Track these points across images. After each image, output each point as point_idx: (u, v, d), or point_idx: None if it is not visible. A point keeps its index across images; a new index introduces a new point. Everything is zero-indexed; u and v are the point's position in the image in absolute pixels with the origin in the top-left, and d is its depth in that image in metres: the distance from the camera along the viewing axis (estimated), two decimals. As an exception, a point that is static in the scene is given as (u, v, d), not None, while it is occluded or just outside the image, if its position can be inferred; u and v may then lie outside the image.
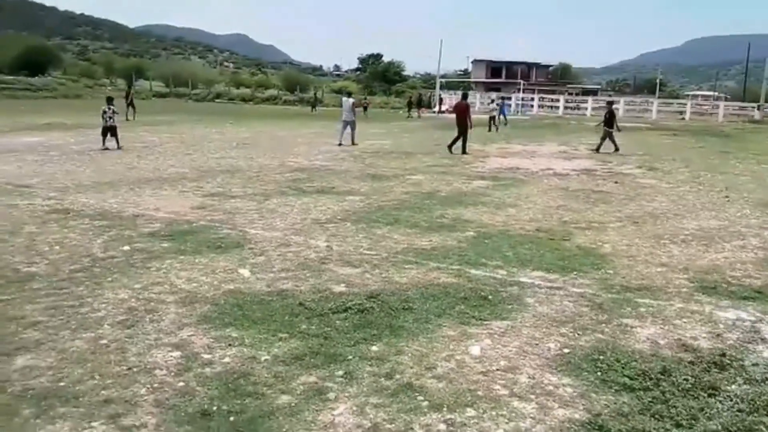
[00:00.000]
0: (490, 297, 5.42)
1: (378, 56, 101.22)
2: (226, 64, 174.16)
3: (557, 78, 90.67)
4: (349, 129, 20.28)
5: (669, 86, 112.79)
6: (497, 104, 35.07)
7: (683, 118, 47.42)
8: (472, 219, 8.69)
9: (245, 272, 6.00)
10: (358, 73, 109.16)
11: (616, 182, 12.75)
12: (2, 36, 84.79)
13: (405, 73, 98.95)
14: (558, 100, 55.28)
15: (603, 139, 19.76)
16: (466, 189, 11.53)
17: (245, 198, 10.00)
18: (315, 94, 56.96)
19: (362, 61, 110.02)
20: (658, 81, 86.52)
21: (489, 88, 73.82)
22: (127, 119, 27.21)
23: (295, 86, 73.68)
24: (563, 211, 9.49)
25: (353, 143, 19.96)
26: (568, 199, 10.55)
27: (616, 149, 19.31)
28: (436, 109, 51.66)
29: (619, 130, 20.19)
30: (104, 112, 17.36)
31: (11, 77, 56.95)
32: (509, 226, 8.26)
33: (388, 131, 28.84)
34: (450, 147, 18.17)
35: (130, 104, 29.49)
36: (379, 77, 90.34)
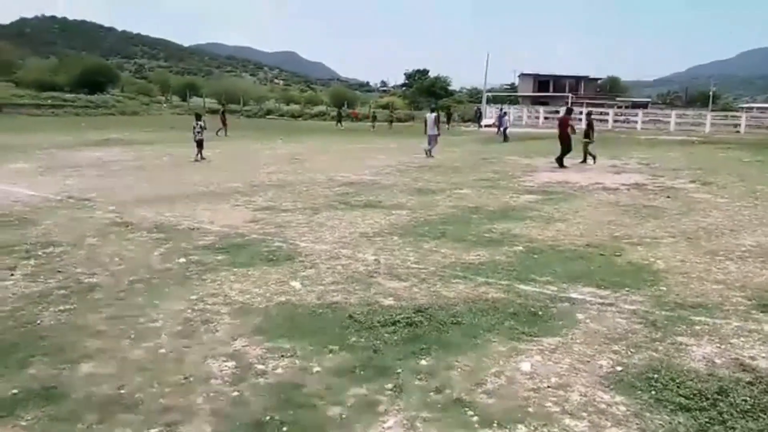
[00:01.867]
0: (540, 313, 5.35)
1: (424, 72, 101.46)
2: (276, 80, 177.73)
3: (606, 91, 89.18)
4: (433, 142, 21.53)
5: (723, 99, 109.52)
6: (502, 114, 35.91)
7: (738, 131, 45.94)
8: (520, 234, 8.61)
9: (296, 284, 6.09)
10: (405, 88, 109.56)
11: (668, 197, 12.43)
12: (64, 56, 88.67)
13: (451, 87, 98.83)
14: (607, 114, 54.30)
15: (585, 149, 19.59)
16: (514, 203, 11.43)
17: (295, 212, 10.15)
18: (339, 108, 57.45)
19: (409, 76, 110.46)
20: (711, 93, 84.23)
21: (536, 101, 73.19)
22: (217, 134, 29.57)
23: (342, 102, 74.54)
24: (614, 226, 9.30)
25: (429, 155, 20.92)
26: (618, 214, 10.34)
27: (584, 160, 19.23)
28: (483, 123, 51.48)
29: (592, 141, 20.01)
30: (194, 127, 19.31)
31: (72, 95, 59.31)
32: (559, 241, 8.15)
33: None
34: (560, 162, 18.40)
35: (224, 122, 32.11)
36: (426, 92, 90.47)
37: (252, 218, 9.53)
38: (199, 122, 19.36)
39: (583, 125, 21.42)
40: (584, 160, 19.43)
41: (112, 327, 4.99)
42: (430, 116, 22.83)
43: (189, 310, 5.36)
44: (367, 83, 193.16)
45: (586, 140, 19.82)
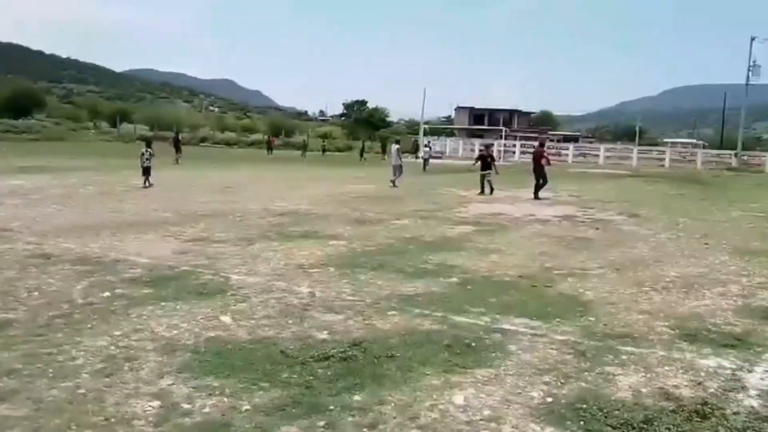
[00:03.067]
0: (473, 344, 5.42)
1: (363, 102, 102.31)
2: (211, 108, 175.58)
3: (538, 125, 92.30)
4: (398, 172, 22.79)
5: (648, 134, 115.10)
6: (430, 146, 37.99)
7: (663, 165, 48.43)
8: (456, 264, 8.73)
9: (227, 319, 5.96)
10: (343, 118, 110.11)
11: (597, 229, 12.91)
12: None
13: (389, 119, 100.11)
14: (555, 148, 56.18)
15: (482, 181, 20.63)
16: (451, 234, 11.60)
17: (228, 243, 9.97)
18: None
19: (347, 106, 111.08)
20: (637, 128, 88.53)
21: (472, 134, 75.01)
22: (178, 162, 31.11)
23: (280, 131, 74.33)
24: (546, 257, 9.57)
25: (393, 185, 21.92)
26: (550, 246, 10.64)
27: (481, 191, 20.17)
28: (420, 154, 52.36)
29: (497, 173, 21.23)
30: (142, 154, 19.44)
31: (-5, 119, 56.86)
32: (493, 272, 8.31)
33: (372, 176, 29.07)
34: (536, 194, 19.22)
35: (178, 147, 33.24)
36: (364, 123, 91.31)
37: (182, 249, 9.30)
38: (149, 149, 19.63)
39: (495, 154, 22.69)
40: (482, 191, 20.29)
41: (28, 365, 4.74)
42: (394, 147, 24.29)
43: (112, 347, 5.15)
44: (305, 112, 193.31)
45: (484, 172, 20.74)
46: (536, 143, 24.39)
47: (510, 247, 10.41)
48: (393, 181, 22.31)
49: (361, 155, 48.55)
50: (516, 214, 15.15)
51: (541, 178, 19.64)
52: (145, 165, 19.25)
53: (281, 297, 6.78)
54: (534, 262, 9.17)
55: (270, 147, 52.05)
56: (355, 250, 9.61)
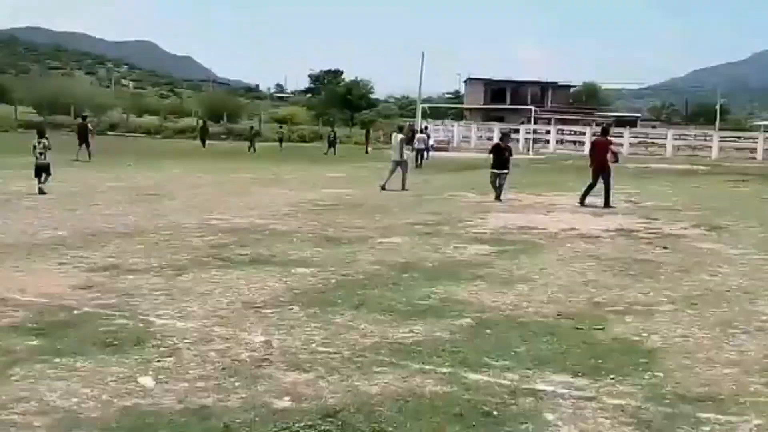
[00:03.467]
0: (495, 413, 5.42)
1: (337, 73, 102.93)
2: (124, 82, 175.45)
3: (582, 103, 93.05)
4: (399, 171, 22.96)
5: (733, 113, 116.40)
6: (427, 133, 38.33)
7: (755, 158, 48.93)
8: (468, 300, 8.73)
9: (148, 381, 5.92)
10: (310, 95, 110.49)
11: (665, 248, 12.99)
12: None
13: (374, 96, 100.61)
14: (584, 134, 56.59)
15: (494, 182, 20.95)
16: (461, 257, 11.63)
17: (149, 272, 9.93)
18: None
19: (316, 79, 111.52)
20: (718, 107, 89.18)
21: (489, 116, 75.56)
22: (77, 159, 31.35)
23: (221, 113, 74.42)
24: (594, 288, 9.60)
25: (403, 188, 22.49)
26: (600, 272, 10.69)
27: (497, 197, 20.46)
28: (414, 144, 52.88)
29: (508, 171, 21.34)
30: (34, 147, 19.72)
31: None
32: (520, 310, 8.32)
33: (352, 175, 29.12)
34: (583, 199, 19.74)
35: (86, 140, 33.11)
36: (339, 101, 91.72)
37: (84, 283, 9.24)
38: (42, 140, 19.78)
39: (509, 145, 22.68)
40: (498, 197, 20.48)
41: None
42: (397, 137, 24.06)
43: (-15, 424, 5.10)
44: (257, 87, 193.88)
45: (503, 171, 20.97)
46: (593, 129, 24.70)
47: (544, 274, 10.44)
48: (383, 185, 22.52)
49: (330, 146, 48.32)
50: (552, 227, 15.23)
51: (602, 179, 19.72)
52: (40, 162, 19.44)
53: (224, 349, 6.75)
54: (578, 295, 9.19)
55: (204, 137, 51.99)
56: (328, 281, 9.60)
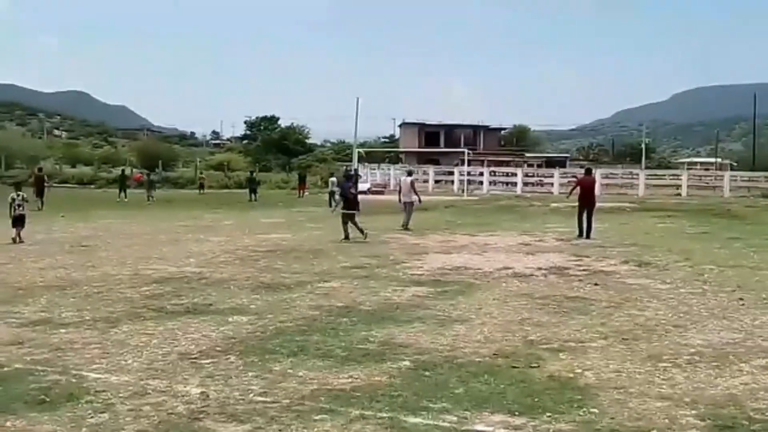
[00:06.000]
0: (434, 456, 5.38)
1: (273, 119, 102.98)
2: (57, 131, 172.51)
3: (512, 144, 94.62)
4: (408, 211, 24.67)
5: (658, 152, 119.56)
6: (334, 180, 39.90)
7: (679, 194, 50.20)
8: (407, 342, 8.73)
9: (81, 438, 5.74)
10: (246, 141, 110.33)
11: (596, 284, 13.19)
12: None
13: (311, 141, 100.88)
14: (515, 174, 57.54)
15: (345, 224, 21.12)
16: (399, 299, 11.64)
17: (81, 326, 9.72)
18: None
19: (252, 125, 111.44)
20: (644, 146, 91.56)
21: (424, 159, 76.25)
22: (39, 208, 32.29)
23: (155, 161, 73.65)
24: (529, 326, 9.69)
25: (405, 227, 24.00)
26: (534, 310, 10.80)
27: (346, 237, 20.78)
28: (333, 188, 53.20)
29: (358, 211, 22.02)
30: (13, 200, 20.75)
31: None
32: (458, 351, 8.35)
33: (289, 220, 29.06)
34: (588, 233, 21.54)
35: (41, 190, 35.02)
36: (276, 146, 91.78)
37: (13, 339, 8.99)
38: (20, 193, 21.25)
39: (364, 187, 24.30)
40: (346, 237, 20.77)
41: None
42: (405, 180, 26.01)
43: None
44: (192, 134, 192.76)
45: (351, 212, 21.31)
46: (525, 170, 26.60)
47: (480, 313, 10.50)
48: (405, 224, 24.18)
49: (252, 192, 46.92)
50: (487, 267, 15.34)
51: (587, 214, 21.77)
52: (17, 214, 20.51)
53: (160, 402, 6.61)
54: (513, 333, 9.26)
55: (124, 186, 49.63)
56: (266, 329, 9.51)
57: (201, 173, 63.65)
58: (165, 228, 24.87)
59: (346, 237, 20.74)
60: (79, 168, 78.19)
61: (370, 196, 45.92)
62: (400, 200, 25.48)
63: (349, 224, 20.94)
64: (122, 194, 45.52)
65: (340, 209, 21.73)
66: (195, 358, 8.08)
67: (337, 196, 31.74)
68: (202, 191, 55.18)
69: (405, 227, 24.00)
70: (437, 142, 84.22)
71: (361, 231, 20.87)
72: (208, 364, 7.88)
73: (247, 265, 15.56)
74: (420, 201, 25.55)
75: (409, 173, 28.38)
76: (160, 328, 9.58)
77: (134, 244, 19.70)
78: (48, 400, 6.66)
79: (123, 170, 57.74)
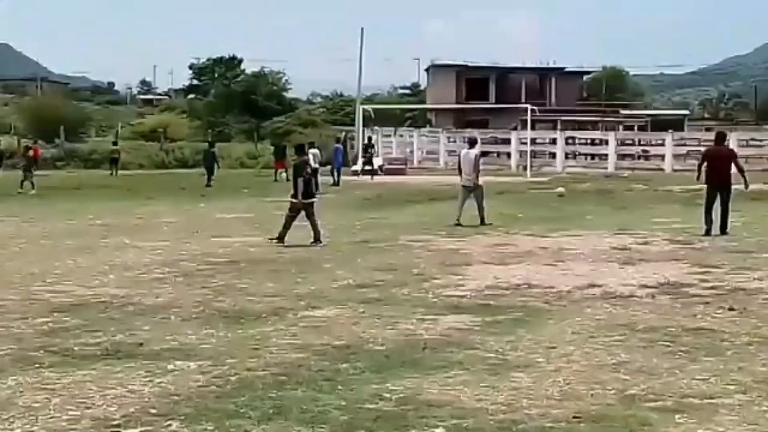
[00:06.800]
0: None
1: (233, 62, 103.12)
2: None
3: (601, 97, 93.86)
4: (472, 198, 25.72)
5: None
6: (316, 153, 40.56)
7: None
8: (440, 400, 8.67)
9: None
10: (193, 96, 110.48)
11: (731, 309, 13.09)
12: None
13: (291, 95, 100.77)
14: (605, 142, 57.11)
15: (287, 221, 21.61)
16: (427, 334, 11.63)
17: (-53, 377, 9.74)
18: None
19: (200, 72, 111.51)
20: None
21: (464, 120, 76.07)
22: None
23: (54, 126, 73.56)
24: (627, 374, 9.61)
25: (482, 222, 25.20)
26: (635, 349, 10.73)
27: (317, 239, 21.23)
28: (356, 166, 53.04)
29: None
30: None
31: None
32: (518, 413, 8.27)
33: (260, 215, 29.06)
34: (722, 230, 22.15)
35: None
36: (237, 104, 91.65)
37: None
38: None
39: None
40: (317, 239, 21.19)
41: None
42: (468, 154, 26.94)
43: None
44: (110, 87, 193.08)
45: (307, 200, 21.70)
46: (621, 135, 26.15)
47: (553, 355, 10.44)
48: (481, 216, 25.37)
49: (208, 172, 46.80)
50: (563, 284, 15.28)
51: (720, 199, 22.30)
52: None
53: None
54: (604, 385, 9.18)
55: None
56: (225, 381, 9.47)
57: (114, 143, 63.06)
58: (72, 228, 24.92)
59: (280, 238, 21.10)
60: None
61: (385, 177, 45.99)
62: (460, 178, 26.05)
63: (298, 219, 21.28)
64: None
65: (291, 197, 22.07)
66: (116, 427, 8.05)
67: (320, 177, 32.29)
68: (115, 170, 55.70)
69: (483, 222, 25.12)
70: (485, 94, 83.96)
71: (317, 232, 21.17)
72: (137, 435, 7.87)
73: (195, 285, 15.57)
74: (477, 183, 26.01)
75: (472, 142, 29.12)
76: (65, 380, 9.56)
77: (24, 254, 19.73)
78: None
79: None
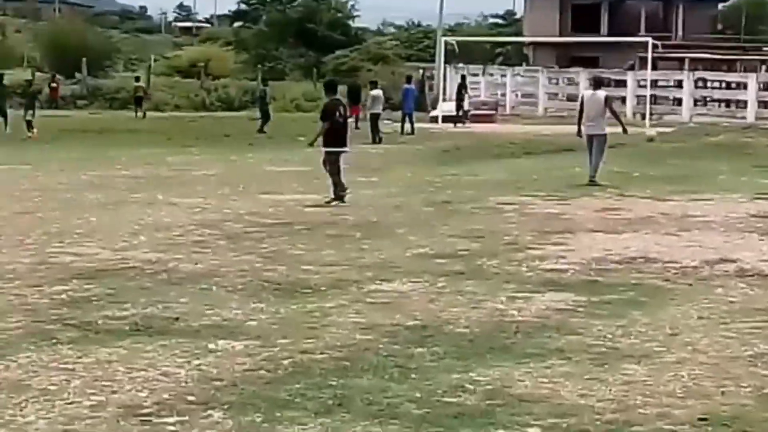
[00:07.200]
0: None
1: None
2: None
3: (738, 28, 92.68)
4: (595, 151, 26.00)
5: None
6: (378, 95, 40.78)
7: None
8: (535, 395, 8.68)
9: None
10: (240, 25, 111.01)
11: None
12: None
13: (359, 24, 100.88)
14: (744, 86, 56.35)
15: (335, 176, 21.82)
16: (521, 315, 11.65)
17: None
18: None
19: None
20: None
21: (569, 57, 75.60)
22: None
23: (75, 58, 74.15)
24: (765, 368, 9.54)
25: (592, 181, 25.64)
26: (777, 338, 10.65)
27: (337, 197, 21.50)
28: (435, 111, 53.09)
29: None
30: None
31: None
32: (631, 412, 8.26)
33: (319, 169, 29.11)
34: None
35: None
36: (293, 34, 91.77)
37: None
38: None
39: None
40: (337, 197, 21.49)
41: None
42: (594, 95, 27.17)
43: None
44: (143, 12, 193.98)
45: (338, 149, 22.05)
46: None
47: (674, 343, 10.41)
48: (592, 177, 25.72)
49: (264, 118, 47.18)
50: (688, 258, 15.20)
51: None
52: None
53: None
54: (738, 381, 9.13)
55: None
56: (276, 365, 9.54)
57: (137, 79, 64.35)
58: (94, 180, 25.12)
59: (338, 197, 21.38)
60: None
61: (470, 125, 45.94)
62: (579, 132, 26.55)
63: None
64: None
65: (321, 146, 22.28)
66: (147, 416, 8.12)
67: (383, 124, 32.26)
68: (140, 113, 56.32)
69: (592, 180, 25.59)
70: (595, 26, 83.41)
71: (339, 187, 21.44)
72: (172, 425, 7.97)
73: (241, 250, 15.66)
74: (626, 131, 27.07)
75: (597, 82, 29.08)
76: (87, 359, 9.68)
77: (39, 209, 19.93)
78: None
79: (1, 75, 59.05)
